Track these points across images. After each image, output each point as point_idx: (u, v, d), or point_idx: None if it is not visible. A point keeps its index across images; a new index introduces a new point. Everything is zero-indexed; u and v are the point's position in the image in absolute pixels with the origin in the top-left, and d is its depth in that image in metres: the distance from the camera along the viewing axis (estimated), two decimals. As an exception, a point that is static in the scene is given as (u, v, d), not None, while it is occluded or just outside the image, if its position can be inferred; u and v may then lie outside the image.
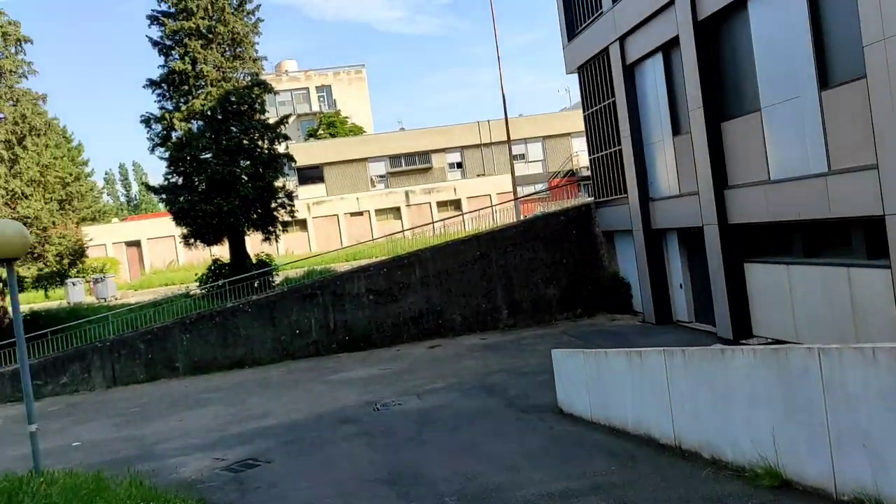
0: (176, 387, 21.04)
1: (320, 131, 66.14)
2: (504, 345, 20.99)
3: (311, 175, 53.32)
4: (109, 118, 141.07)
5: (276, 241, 29.28)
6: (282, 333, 23.11)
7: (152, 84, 27.32)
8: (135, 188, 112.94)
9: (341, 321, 23.28)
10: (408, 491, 9.47)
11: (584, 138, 25.63)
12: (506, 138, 34.79)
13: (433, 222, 34.69)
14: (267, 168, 27.05)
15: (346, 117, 68.57)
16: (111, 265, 46.66)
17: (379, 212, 52.53)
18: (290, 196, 27.96)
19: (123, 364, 22.34)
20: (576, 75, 24.64)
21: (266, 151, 27.26)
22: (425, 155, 55.49)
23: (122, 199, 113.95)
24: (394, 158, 54.99)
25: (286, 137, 28.40)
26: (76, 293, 36.67)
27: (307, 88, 72.67)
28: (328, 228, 51.88)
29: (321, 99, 73.44)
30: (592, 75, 23.37)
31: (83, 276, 40.56)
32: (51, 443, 15.69)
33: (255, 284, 24.53)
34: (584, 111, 24.72)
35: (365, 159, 54.75)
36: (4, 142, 23.43)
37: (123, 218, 72.99)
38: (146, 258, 50.22)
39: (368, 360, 21.39)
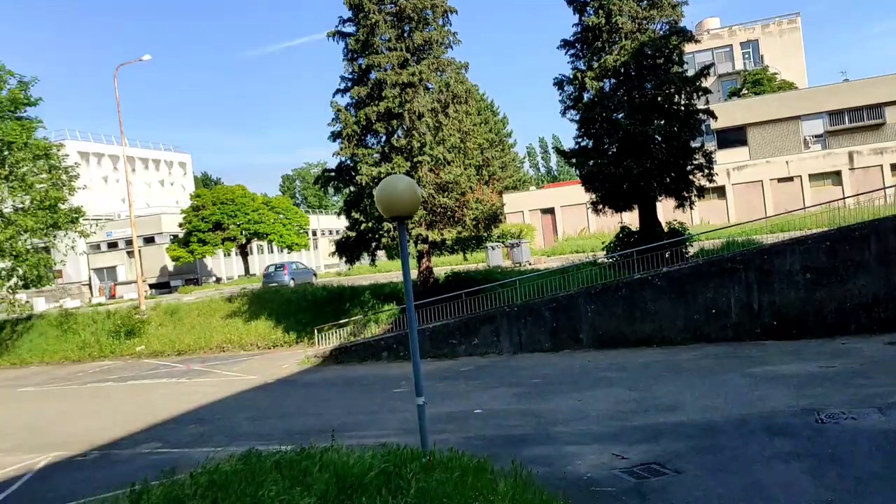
0: (579, 360, 19.96)
1: (744, 90, 60.46)
2: None
3: (731, 138, 48.76)
4: (531, 93, 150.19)
5: (691, 209, 26.43)
6: (695, 312, 20.45)
7: (565, 45, 26.48)
8: (553, 160, 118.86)
9: (767, 302, 19.69)
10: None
11: None
12: None
13: (885, 188, 28.06)
14: (683, 126, 24.28)
15: (775, 73, 61.63)
16: (527, 231, 48.55)
17: (813, 177, 45.50)
18: (708, 157, 24.80)
19: (529, 331, 22.07)
20: None
21: (682, 108, 24.49)
22: (876, 109, 46.66)
23: (542, 170, 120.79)
24: (834, 114, 47.48)
25: (706, 91, 25.18)
26: (495, 257, 38.67)
27: (730, 46, 67.10)
28: (750, 196, 46.72)
29: (746, 56, 67.33)
30: None
31: (501, 241, 42.80)
32: (456, 406, 15.72)
33: (666, 255, 22.22)
34: None
35: (797, 117, 48.28)
36: (430, 110, 24.77)
37: (541, 186, 76.32)
38: (559, 225, 51.24)
39: (802, 352, 17.58)
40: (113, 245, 65.97)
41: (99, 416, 18.84)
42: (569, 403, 14.85)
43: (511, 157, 70.37)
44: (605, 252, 26.22)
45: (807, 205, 37.73)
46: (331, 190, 27.12)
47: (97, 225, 38.73)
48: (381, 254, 43.66)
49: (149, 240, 64.44)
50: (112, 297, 59.44)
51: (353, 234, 26.09)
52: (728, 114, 44.86)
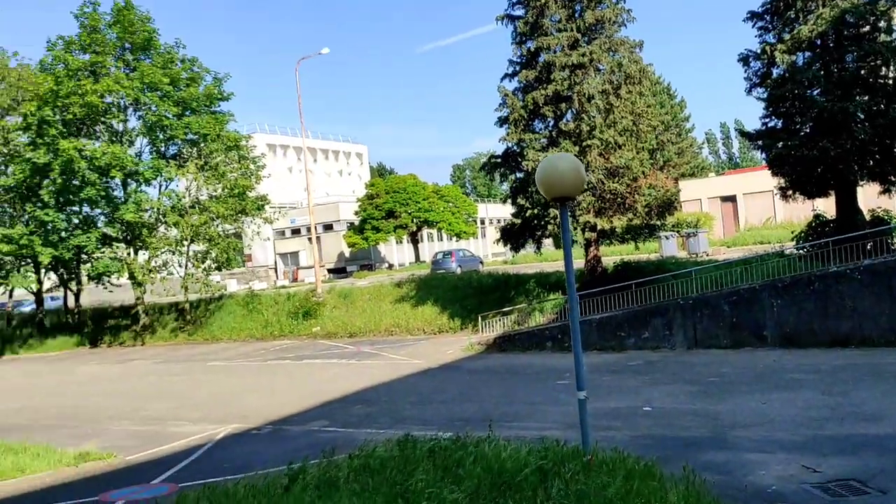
0: (762, 358, 18.26)
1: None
2: None
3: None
4: (712, 74, 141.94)
5: (899, 195, 23.45)
6: (902, 310, 18.04)
7: (752, 17, 24.31)
8: (735, 146, 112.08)
9: None
10: None
11: None
12: None
13: None
14: (892, 102, 21.48)
15: None
16: (705, 220, 45.78)
17: None
18: (923, 135, 21.78)
19: (705, 325, 20.55)
20: None
21: (891, 81, 21.66)
22: None
23: (724, 157, 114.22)
24: None
25: (922, 62, 22.10)
26: (669, 246, 36.69)
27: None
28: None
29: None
30: None
31: (677, 231, 40.54)
32: (623, 402, 14.86)
33: (868, 247, 19.79)
34: None
35: None
36: (601, 92, 23.72)
37: (721, 173, 71.84)
38: (741, 214, 47.84)
39: None
40: (296, 231, 70.26)
41: (276, 392, 19.82)
42: (750, 406, 13.52)
43: (688, 143, 66.71)
44: (794, 243, 23.90)
45: None
46: (497, 177, 26.79)
47: (281, 212, 41.05)
48: (548, 242, 43.07)
49: (327, 227, 67.93)
50: (294, 280, 63.40)
51: (518, 221, 25.67)
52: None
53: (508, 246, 27.00)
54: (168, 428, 15.90)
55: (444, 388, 18.29)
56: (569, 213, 8.78)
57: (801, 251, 22.49)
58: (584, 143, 23.60)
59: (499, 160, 26.56)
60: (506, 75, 25.98)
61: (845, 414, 12.35)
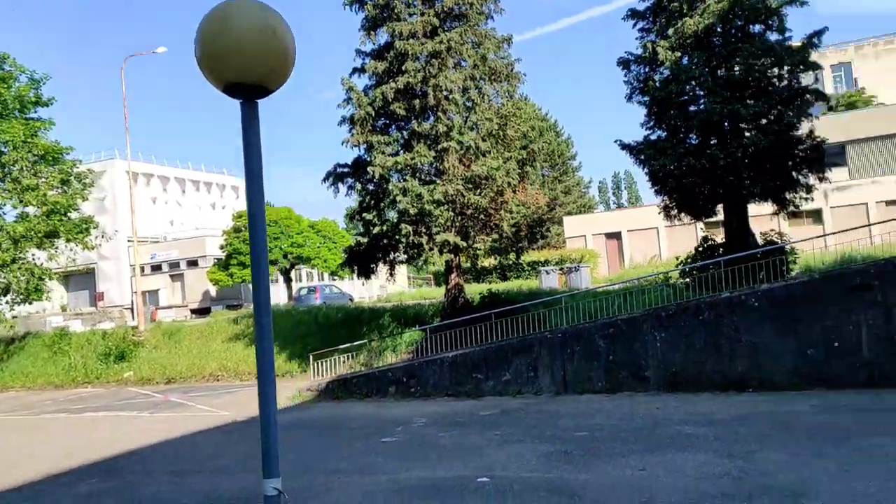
0: (643, 406, 14.48)
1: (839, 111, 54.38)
2: None
3: (827, 158, 42.51)
4: (604, 137, 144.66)
5: (790, 216, 20.86)
6: (808, 345, 14.76)
7: (634, 16, 21.40)
8: (625, 196, 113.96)
9: (918, 334, 13.88)
10: None
11: None
12: None
13: None
14: (785, 107, 18.80)
15: (872, 97, 55.52)
16: (589, 256, 43.06)
17: (932, 199, 38.70)
18: (817, 148, 19.22)
19: (577, 365, 16.71)
20: None
21: (785, 83, 19.04)
22: None
23: (613, 206, 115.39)
24: None
25: (815, 66, 19.69)
26: (549, 282, 33.51)
27: (819, 69, 60.85)
28: (852, 221, 40.12)
29: (837, 80, 61.28)
30: None
31: (559, 267, 37.50)
32: (454, 469, 10.56)
33: (760, 275, 16.58)
34: None
35: None
36: (462, 89, 20.03)
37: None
38: (626, 251, 45.45)
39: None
40: (157, 268, 63.77)
41: (4, 461, 14.44)
42: (625, 475, 9.52)
43: (575, 181, 64.93)
44: (679, 268, 20.67)
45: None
46: (344, 190, 22.36)
47: (105, 239, 34.66)
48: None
49: (192, 263, 62.05)
50: (153, 321, 56.70)
51: (365, 240, 21.38)
52: (822, 132, 38.76)
53: (356, 272, 22.58)
54: None
55: (229, 452, 13.52)
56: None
57: (687, 279, 19.25)
58: (441, 146, 19.71)
59: (346, 169, 22.29)
60: (354, 70, 21.94)
61: (753, 488, 8.50)
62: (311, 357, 20.39)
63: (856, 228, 20.94)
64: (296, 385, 20.69)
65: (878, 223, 21.94)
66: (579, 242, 46.13)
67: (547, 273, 34.08)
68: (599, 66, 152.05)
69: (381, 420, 15.37)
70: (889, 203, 39.79)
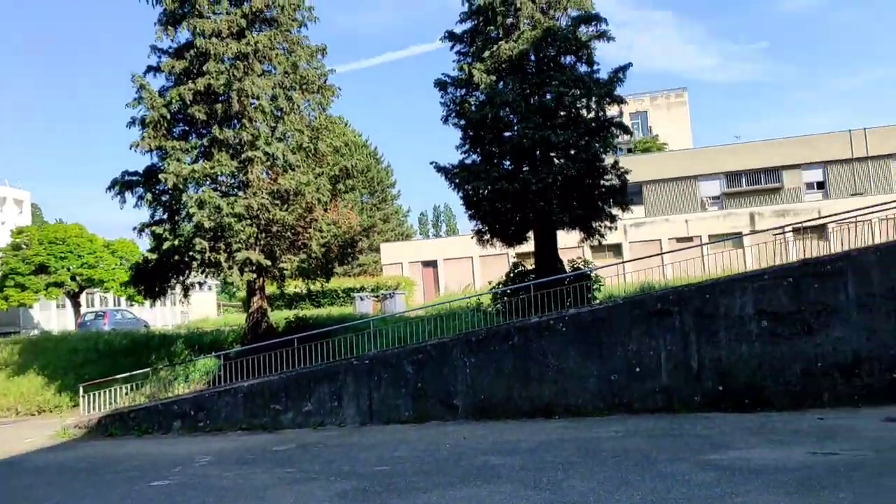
0: (451, 436, 13.70)
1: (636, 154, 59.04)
2: None
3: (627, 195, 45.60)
4: (425, 167, 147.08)
5: (593, 249, 21.42)
6: (612, 370, 14.78)
7: (451, 38, 21.18)
8: (444, 228, 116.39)
9: (711, 359, 14.30)
10: None
11: None
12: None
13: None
14: (592, 137, 19.25)
15: (665, 144, 60.95)
16: (406, 284, 42.61)
17: (714, 237, 42.33)
18: (622, 178, 19.84)
19: (384, 392, 15.68)
20: None
21: (593, 115, 19.52)
22: (773, 172, 45.23)
23: (432, 236, 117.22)
24: (731, 176, 45.99)
25: (621, 101, 20.40)
26: (363, 307, 32.60)
27: (624, 102, 65.98)
28: (647, 254, 43.01)
29: (635, 126, 66.59)
30: None
31: (374, 294, 36.61)
32: (230, 516, 9.04)
33: (567, 301, 16.54)
34: None
35: (695, 177, 46.37)
36: (270, 97, 18.62)
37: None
38: (441, 279, 45.60)
39: (770, 430, 12.11)
40: None
41: None
42: (424, 514, 8.53)
43: (394, 209, 64.80)
44: (491, 293, 20.40)
45: (707, 267, 33.87)
46: (133, 200, 19.93)
47: None
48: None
49: (-40, 283, 54.12)
50: None
51: (153, 256, 19.13)
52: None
53: (143, 292, 20.16)
54: None
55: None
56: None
57: (498, 305, 18.95)
58: (245, 156, 18.09)
59: (136, 178, 19.92)
60: (150, 68, 19.81)
61: (560, 521, 7.84)
62: (82, 390, 17.68)
63: (651, 256, 21.80)
64: (63, 422, 17.89)
65: (671, 252, 23.21)
66: (396, 270, 45.66)
67: (361, 299, 33.10)
68: (422, 99, 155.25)
69: (157, 460, 13.36)
70: (679, 240, 43.00)
